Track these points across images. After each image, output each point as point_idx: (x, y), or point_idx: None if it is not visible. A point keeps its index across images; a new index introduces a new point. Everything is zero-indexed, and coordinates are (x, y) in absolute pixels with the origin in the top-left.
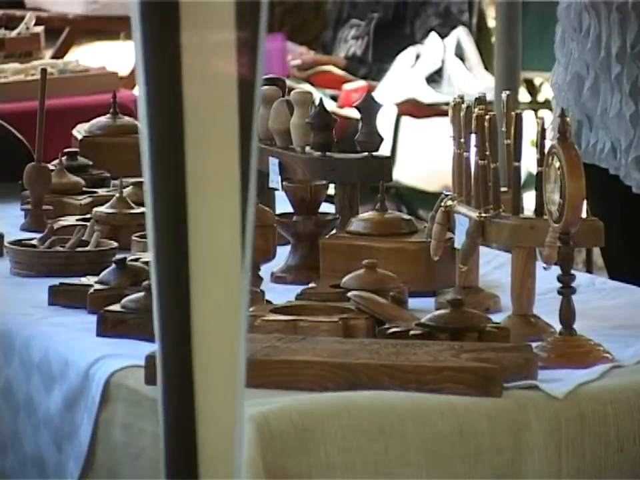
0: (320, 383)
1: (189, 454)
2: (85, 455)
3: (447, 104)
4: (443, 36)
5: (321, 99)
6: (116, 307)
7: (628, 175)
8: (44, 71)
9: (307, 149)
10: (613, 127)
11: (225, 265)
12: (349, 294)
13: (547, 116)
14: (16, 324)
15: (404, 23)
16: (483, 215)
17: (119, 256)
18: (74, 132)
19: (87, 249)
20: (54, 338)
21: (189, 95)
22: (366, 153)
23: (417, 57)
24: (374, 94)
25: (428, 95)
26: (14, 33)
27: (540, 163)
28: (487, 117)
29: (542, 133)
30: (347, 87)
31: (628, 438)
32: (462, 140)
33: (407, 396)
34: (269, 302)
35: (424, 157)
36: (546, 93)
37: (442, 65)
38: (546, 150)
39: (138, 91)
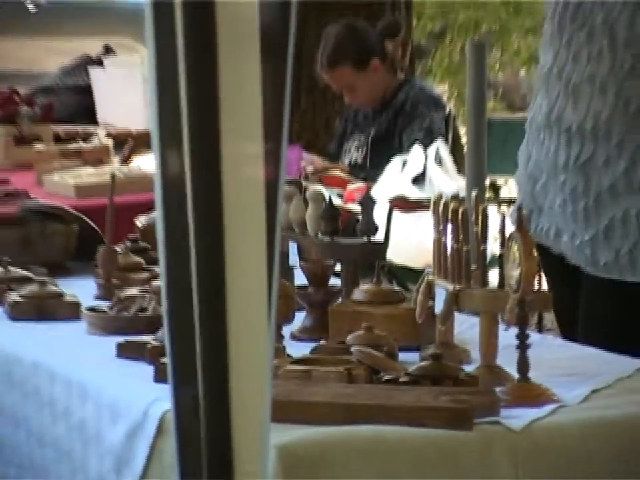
0: (329, 419)
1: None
2: (139, 478)
3: (429, 200)
4: (425, 147)
5: (329, 197)
6: (155, 341)
7: (571, 257)
8: (113, 175)
9: (319, 235)
10: (558, 219)
11: (255, 327)
12: (352, 349)
13: (507, 210)
14: (90, 372)
15: (394, 136)
16: (457, 287)
17: None
18: (136, 222)
19: (146, 314)
20: (120, 383)
21: (228, 194)
22: (365, 239)
23: (404, 163)
24: (371, 192)
25: (413, 193)
26: (89, 145)
27: (502, 246)
28: (460, 210)
29: (502, 223)
30: (350, 187)
31: (575, 462)
32: (441, 228)
33: (397, 429)
34: (289, 355)
35: (411, 242)
36: (505, 192)
37: (424, 170)
38: (506, 236)
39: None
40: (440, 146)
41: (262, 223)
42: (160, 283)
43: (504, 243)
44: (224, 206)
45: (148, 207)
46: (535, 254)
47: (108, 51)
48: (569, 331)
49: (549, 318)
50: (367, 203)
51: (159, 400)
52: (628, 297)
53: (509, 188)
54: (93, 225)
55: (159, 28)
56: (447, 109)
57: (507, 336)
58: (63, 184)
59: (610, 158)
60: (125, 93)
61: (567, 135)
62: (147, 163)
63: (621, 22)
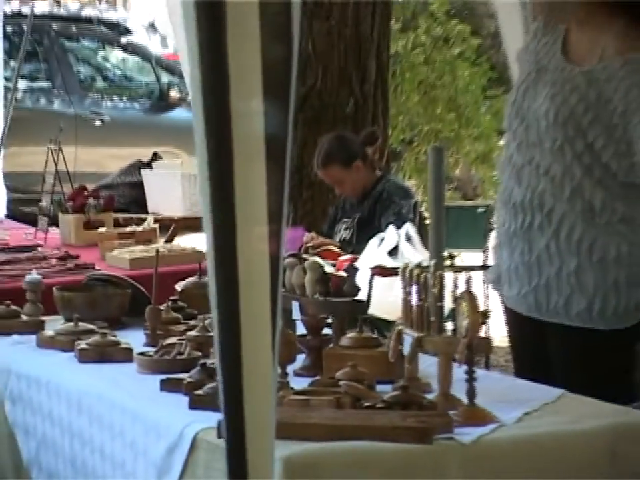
0: (322, 436)
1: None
2: None
3: (400, 268)
4: (397, 228)
5: (323, 266)
6: (200, 392)
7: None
8: (157, 251)
9: (315, 295)
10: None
11: (264, 366)
12: (340, 383)
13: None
14: (140, 402)
15: (374, 219)
16: (420, 334)
17: (202, 361)
18: (176, 286)
19: (182, 357)
20: (163, 410)
21: (242, 263)
22: (350, 298)
23: (382, 240)
24: (355, 263)
25: (389, 263)
26: (140, 228)
27: (454, 303)
28: (423, 275)
29: (455, 285)
30: (340, 258)
31: (511, 468)
32: (408, 289)
33: (375, 444)
34: (292, 388)
35: (387, 300)
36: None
37: (397, 245)
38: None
39: (208, 262)
40: (409, 227)
41: (267, 288)
42: (195, 333)
43: (456, 301)
44: (239, 274)
45: (185, 275)
46: (479, 309)
47: (155, 156)
48: (520, 368)
49: (494, 358)
50: (352, 271)
51: (192, 423)
52: (570, 336)
53: (462, 259)
54: (142, 289)
55: None
56: (415, 199)
57: (459, 371)
58: (120, 258)
59: (543, 223)
60: (169, 188)
61: (514, 209)
62: (184, 242)
63: (543, 116)
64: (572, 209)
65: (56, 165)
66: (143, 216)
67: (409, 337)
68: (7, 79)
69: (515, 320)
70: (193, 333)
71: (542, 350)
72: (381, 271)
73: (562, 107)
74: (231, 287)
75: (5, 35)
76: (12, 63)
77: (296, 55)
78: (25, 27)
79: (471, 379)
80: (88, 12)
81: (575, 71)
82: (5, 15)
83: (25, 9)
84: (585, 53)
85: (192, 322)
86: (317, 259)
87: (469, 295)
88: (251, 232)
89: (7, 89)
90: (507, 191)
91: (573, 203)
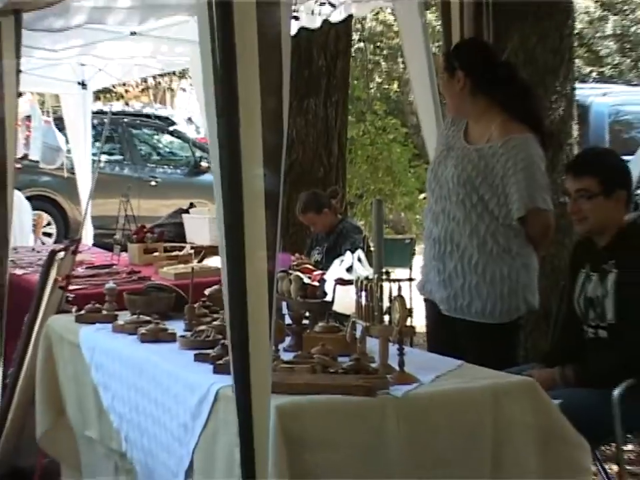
0: (304, 392)
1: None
2: (202, 428)
3: (354, 279)
4: (352, 253)
5: (303, 278)
6: (220, 362)
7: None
8: (192, 268)
9: (298, 298)
10: (432, 285)
11: (263, 345)
12: (314, 356)
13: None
14: (181, 368)
15: (337, 247)
16: (368, 324)
17: (222, 341)
18: (205, 292)
19: (209, 338)
20: (196, 374)
21: (249, 276)
22: (321, 300)
23: (342, 261)
24: (325, 276)
25: (347, 276)
26: (181, 253)
27: (390, 303)
28: (369, 284)
29: (390, 292)
30: (314, 273)
31: (428, 413)
32: (359, 294)
33: (338, 396)
34: (282, 359)
35: (345, 301)
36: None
37: (352, 264)
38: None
39: (223, 276)
40: (360, 253)
41: (265, 295)
42: (217, 323)
43: (392, 302)
44: (247, 284)
45: (211, 284)
46: (407, 307)
47: (191, 205)
48: (433, 347)
49: (416, 339)
50: (322, 281)
51: (215, 383)
52: (470, 327)
53: (395, 274)
54: (182, 293)
55: None
56: (363, 234)
57: (392, 349)
58: (168, 273)
59: (452, 251)
60: (200, 226)
61: (433, 242)
62: (210, 262)
63: (450, 179)
64: (471, 242)
65: (125, 211)
66: (182, 245)
67: (360, 325)
68: (93, 154)
69: (433, 315)
70: (216, 322)
71: (451, 335)
72: (341, 282)
73: (462, 173)
74: (240, 293)
75: (93, 126)
76: (97, 144)
77: (285, 139)
78: (105, 120)
79: (401, 353)
80: (147, 110)
81: (471, 149)
82: (93, 112)
83: (105, 108)
84: (478, 137)
85: (215, 315)
86: (299, 273)
87: (400, 297)
88: (255, 255)
89: (93, 161)
90: (428, 229)
91: (472, 238)
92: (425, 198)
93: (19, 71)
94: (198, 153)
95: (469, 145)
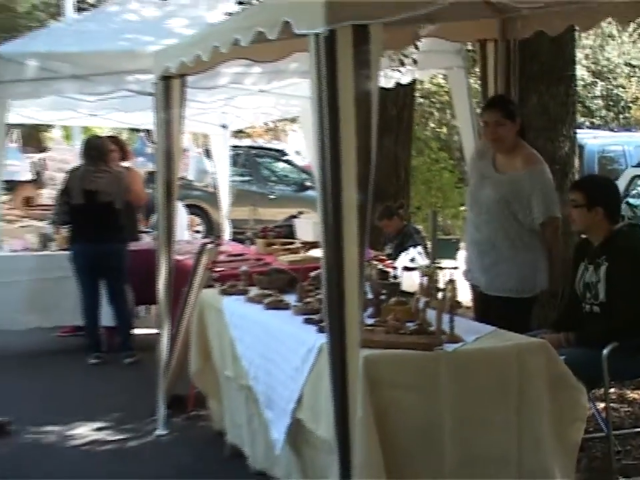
0: (382, 347)
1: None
2: (309, 370)
3: (418, 267)
4: (414, 248)
5: (380, 267)
6: (322, 324)
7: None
8: (302, 257)
9: (377, 280)
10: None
11: (354, 313)
12: (389, 321)
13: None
14: (293, 328)
15: (403, 244)
16: (427, 299)
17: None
18: (310, 274)
19: (314, 307)
20: (304, 332)
21: (346, 265)
22: (393, 282)
23: (407, 254)
24: (394, 265)
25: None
26: (293, 246)
27: (445, 284)
28: (428, 271)
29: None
30: (387, 263)
31: (475, 366)
32: (421, 277)
33: (407, 351)
34: (366, 324)
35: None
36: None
37: (414, 257)
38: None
39: (323, 265)
40: (420, 248)
41: (356, 278)
42: (319, 297)
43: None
44: (344, 269)
45: (314, 269)
46: (455, 287)
47: (300, 213)
48: (475, 317)
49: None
50: (394, 269)
51: (318, 339)
52: (502, 301)
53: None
54: (295, 275)
55: None
56: (422, 235)
57: (445, 317)
58: (284, 260)
59: (490, 249)
60: (305, 228)
61: (475, 243)
62: (313, 253)
63: (487, 198)
64: (504, 242)
65: (253, 216)
66: (293, 240)
67: (422, 300)
68: (230, 175)
69: (475, 294)
70: (319, 296)
71: (488, 308)
72: (407, 269)
73: (498, 195)
74: (339, 276)
75: (230, 155)
76: (233, 168)
77: (373, 168)
78: (239, 152)
79: (451, 321)
80: (268, 144)
81: (504, 177)
82: (231, 146)
83: (239, 143)
84: (507, 167)
85: (318, 291)
86: (377, 263)
87: (451, 281)
88: (350, 249)
89: (230, 180)
90: (470, 234)
91: (505, 239)
92: (465, 210)
93: (182, 117)
94: (303, 176)
95: (499, 174)
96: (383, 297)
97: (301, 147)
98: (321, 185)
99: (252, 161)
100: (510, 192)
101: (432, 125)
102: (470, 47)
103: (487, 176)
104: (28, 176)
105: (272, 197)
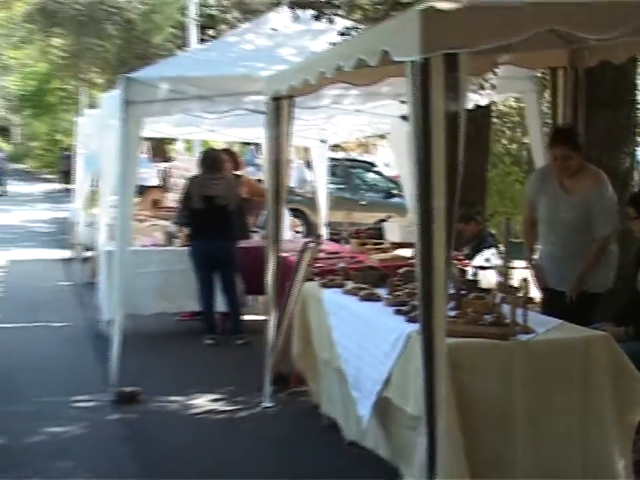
0: (463, 335)
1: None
2: (397, 355)
3: (493, 266)
4: (489, 250)
5: (460, 266)
6: (412, 314)
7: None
8: (391, 256)
9: (458, 277)
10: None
11: (441, 306)
12: (469, 313)
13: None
14: (384, 318)
15: (480, 246)
16: (503, 295)
17: (412, 303)
18: (398, 271)
19: (403, 299)
20: (394, 322)
21: (435, 263)
22: (471, 279)
23: (482, 254)
24: (472, 264)
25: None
26: (382, 247)
27: (518, 282)
28: (502, 269)
29: (516, 274)
30: (465, 262)
31: (545, 354)
32: (497, 275)
33: (484, 340)
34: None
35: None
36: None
37: (489, 257)
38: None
39: (417, 262)
40: (494, 250)
41: (443, 274)
42: (407, 290)
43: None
44: (434, 268)
45: (401, 266)
46: (528, 284)
47: (388, 217)
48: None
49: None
50: (473, 268)
51: (408, 328)
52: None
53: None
54: (385, 271)
55: None
56: (496, 239)
57: (519, 312)
58: (375, 258)
59: (564, 256)
60: (393, 230)
61: (550, 253)
62: (400, 252)
63: (564, 215)
64: (578, 252)
65: (347, 219)
66: (382, 241)
67: (498, 295)
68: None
69: (547, 290)
70: (407, 290)
71: (557, 302)
72: (483, 268)
73: (573, 215)
74: (430, 274)
75: (328, 166)
76: (330, 177)
77: (459, 179)
78: (335, 163)
79: (524, 314)
80: (360, 157)
81: (575, 198)
82: (328, 158)
83: (335, 156)
84: (576, 188)
85: (405, 286)
86: (456, 262)
87: (525, 280)
88: (439, 251)
89: (327, 188)
90: (545, 245)
91: (577, 249)
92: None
93: (289, 133)
94: (390, 185)
95: (572, 195)
96: (463, 292)
97: (389, 159)
98: (415, 194)
99: (346, 171)
100: (583, 211)
101: (504, 142)
102: (541, 73)
103: (558, 197)
104: (155, 182)
105: (363, 202)
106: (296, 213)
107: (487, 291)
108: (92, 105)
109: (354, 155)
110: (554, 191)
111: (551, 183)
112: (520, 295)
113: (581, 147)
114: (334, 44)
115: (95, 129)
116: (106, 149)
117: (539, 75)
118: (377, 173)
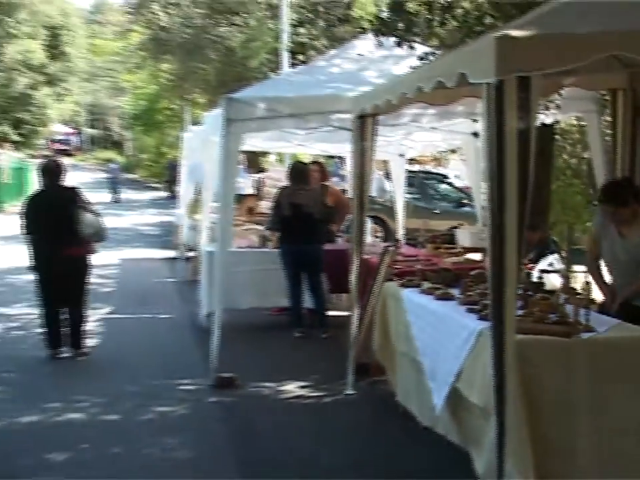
0: (529, 333)
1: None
2: (469, 349)
3: (556, 271)
4: (552, 255)
5: (525, 270)
6: (483, 312)
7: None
8: (464, 259)
9: (525, 280)
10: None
11: (511, 306)
12: (535, 312)
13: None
14: (457, 315)
15: (543, 252)
16: (567, 296)
17: (484, 302)
18: (470, 273)
19: (476, 298)
20: (467, 319)
21: (507, 267)
22: (537, 281)
23: (546, 259)
24: (536, 268)
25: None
26: (454, 251)
27: (581, 285)
28: (565, 273)
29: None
30: (530, 266)
31: (605, 351)
32: (561, 278)
33: (549, 337)
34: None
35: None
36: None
37: (552, 262)
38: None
39: (490, 267)
40: (557, 255)
41: (514, 277)
42: (480, 291)
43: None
44: (506, 271)
45: (472, 269)
46: (590, 287)
47: (460, 224)
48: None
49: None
50: (539, 271)
51: (479, 325)
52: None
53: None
54: (457, 273)
55: None
56: (558, 245)
57: (581, 312)
58: (446, 261)
59: (622, 271)
60: (464, 237)
61: (615, 262)
62: (471, 256)
63: (620, 255)
64: (633, 268)
65: (423, 226)
66: (455, 246)
67: (562, 297)
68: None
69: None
70: (478, 290)
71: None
72: (547, 272)
73: (627, 257)
74: (501, 276)
75: (405, 178)
76: (407, 188)
77: (530, 193)
78: (411, 175)
79: (586, 314)
80: (433, 170)
81: (629, 243)
82: (406, 170)
83: (412, 168)
84: (631, 235)
85: (477, 286)
86: (523, 266)
87: (587, 282)
88: (511, 257)
89: (406, 203)
90: (608, 256)
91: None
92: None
93: (373, 148)
94: (461, 195)
95: (627, 240)
96: (529, 293)
97: (460, 172)
98: (488, 204)
99: (421, 182)
100: (637, 254)
101: (565, 157)
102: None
103: (615, 241)
104: (250, 190)
105: (436, 211)
106: (376, 220)
107: (552, 292)
108: (194, 122)
109: (428, 167)
110: (612, 235)
111: (610, 229)
112: (583, 296)
113: (632, 199)
114: (414, 67)
115: (198, 143)
116: (208, 161)
117: (599, 95)
118: (449, 184)
